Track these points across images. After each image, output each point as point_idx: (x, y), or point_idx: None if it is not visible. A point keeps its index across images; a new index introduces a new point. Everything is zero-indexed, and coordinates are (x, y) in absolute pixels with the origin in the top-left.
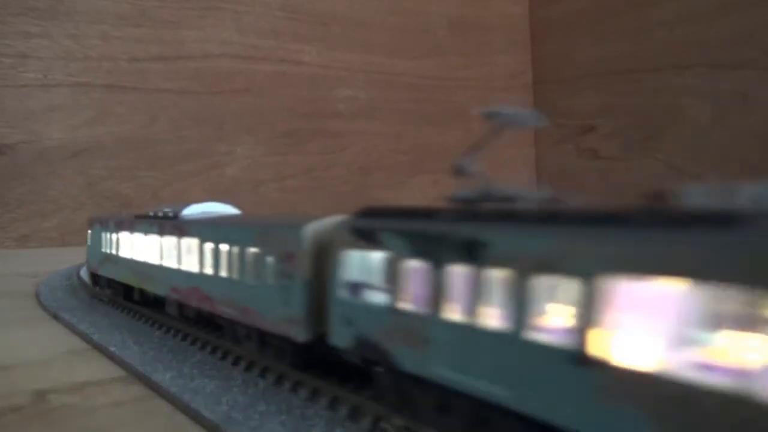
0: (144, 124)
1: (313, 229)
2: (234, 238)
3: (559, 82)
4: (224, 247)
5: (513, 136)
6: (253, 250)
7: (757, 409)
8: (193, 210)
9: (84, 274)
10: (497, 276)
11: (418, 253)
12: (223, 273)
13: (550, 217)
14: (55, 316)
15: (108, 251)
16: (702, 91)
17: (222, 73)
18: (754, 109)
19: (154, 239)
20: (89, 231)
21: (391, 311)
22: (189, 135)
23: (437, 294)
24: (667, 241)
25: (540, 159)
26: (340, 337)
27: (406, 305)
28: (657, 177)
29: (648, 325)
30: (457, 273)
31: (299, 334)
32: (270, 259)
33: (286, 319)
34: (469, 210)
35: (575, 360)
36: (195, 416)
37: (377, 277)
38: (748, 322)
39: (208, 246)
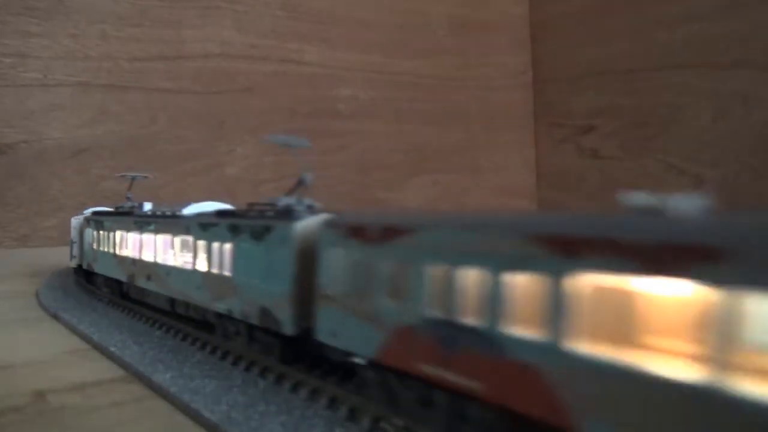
0: (144, 123)
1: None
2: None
3: (559, 82)
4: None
5: (513, 136)
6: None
7: None
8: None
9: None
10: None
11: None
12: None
13: None
14: (55, 316)
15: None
16: (702, 91)
17: (222, 72)
18: (754, 109)
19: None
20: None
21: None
22: (189, 135)
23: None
24: None
25: (540, 159)
26: None
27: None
28: (657, 177)
29: None
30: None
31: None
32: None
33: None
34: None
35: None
36: (195, 416)
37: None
38: None
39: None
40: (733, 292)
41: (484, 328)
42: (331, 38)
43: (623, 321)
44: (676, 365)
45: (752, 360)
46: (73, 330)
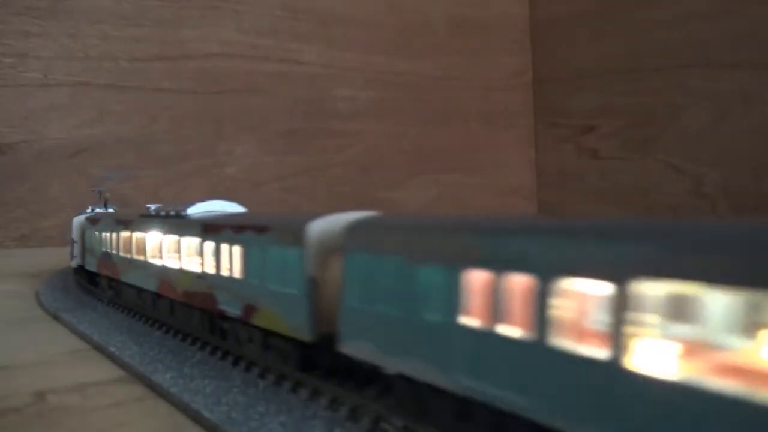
0: (144, 123)
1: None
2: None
3: (559, 82)
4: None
5: (513, 136)
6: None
7: None
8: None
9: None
10: None
11: None
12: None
13: None
14: (55, 317)
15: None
16: (702, 91)
17: (222, 73)
18: (754, 109)
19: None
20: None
21: None
22: (189, 135)
23: None
24: None
25: (540, 159)
26: None
27: None
28: (657, 177)
29: None
30: None
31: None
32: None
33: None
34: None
35: None
36: (195, 416)
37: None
38: None
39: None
40: None
41: None
42: (331, 38)
43: None
44: None
45: None
46: (73, 330)
